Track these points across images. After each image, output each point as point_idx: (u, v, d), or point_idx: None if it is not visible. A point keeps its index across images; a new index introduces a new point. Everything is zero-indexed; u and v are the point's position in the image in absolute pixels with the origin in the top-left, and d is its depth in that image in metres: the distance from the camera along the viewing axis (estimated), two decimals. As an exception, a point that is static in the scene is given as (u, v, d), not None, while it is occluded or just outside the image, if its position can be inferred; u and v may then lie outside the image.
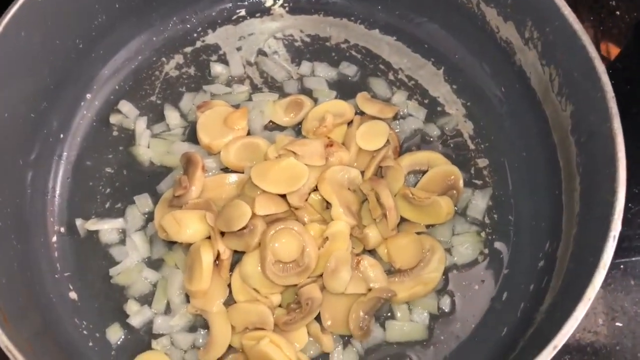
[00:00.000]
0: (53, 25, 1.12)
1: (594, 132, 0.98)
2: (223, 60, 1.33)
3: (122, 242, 1.15)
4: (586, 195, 1.00)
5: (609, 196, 0.89)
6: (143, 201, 1.17)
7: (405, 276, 1.08)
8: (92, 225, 1.15)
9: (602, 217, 0.89)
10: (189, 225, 1.07)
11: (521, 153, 1.20)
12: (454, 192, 1.15)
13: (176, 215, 1.08)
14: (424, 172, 1.19)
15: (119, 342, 1.07)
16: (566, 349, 1.12)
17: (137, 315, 1.08)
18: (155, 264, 1.13)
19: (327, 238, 1.07)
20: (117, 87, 1.30)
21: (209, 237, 1.08)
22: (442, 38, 1.31)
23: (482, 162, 1.22)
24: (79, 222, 1.16)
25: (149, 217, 1.17)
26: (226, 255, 1.07)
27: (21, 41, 1.06)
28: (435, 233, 1.14)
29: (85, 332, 1.07)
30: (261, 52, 1.34)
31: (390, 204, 1.07)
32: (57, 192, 1.20)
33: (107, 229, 1.15)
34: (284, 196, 1.10)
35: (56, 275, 1.12)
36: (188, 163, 1.15)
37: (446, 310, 1.09)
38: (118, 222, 1.16)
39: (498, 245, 1.14)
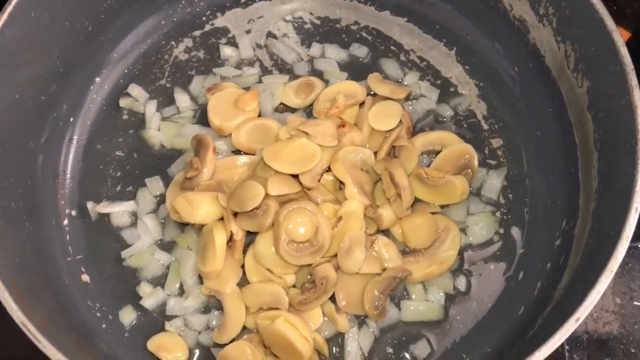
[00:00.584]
0: (62, 7, 1.11)
1: (613, 106, 0.96)
2: (232, 43, 1.32)
3: (134, 224, 1.14)
4: (605, 170, 0.98)
5: (630, 169, 0.88)
6: (154, 184, 1.16)
7: (420, 256, 1.07)
8: (104, 208, 1.14)
9: (623, 191, 0.88)
10: (201, 207, 1.06)
11: (535, 132, 1.19)
12: (469, 171, 1.14)
13: (188, 197, 1.07)
14: (437, 153, 1.17)
15: (132, 324, 1.07)
16: (584, 328, 1.10)
17: (150, 297, 1.07)
18: (167, 246, 1.13)
19: (341, 217, 1.05)
20: (126, 71, 1.29)
21: (221, 219, 1.07)
22: (454, 18, 1.30)
23: (496, 142, 1.20)
24: (90, 205, 1.15)
25: (160, 200, 1.16)
26: (239, 235, 1.06)
27: (31, 22, 1.06)
28: (450, 213, 1.13)
29: (98, 314, 1.07)
30: (271, 35, 1.33)
31: (404, 183, 1.06)
32: (68, 175, 1.19)
33: (118, 211, 1.14)
34: (296, 177, 1.09)
35: (68, 258, 1.11)
36: (199, 145, 1.14)
37: (462, 290, 1.08)
38: (129, 205, 1.15)
39: (513, 225, 1.13)
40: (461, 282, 1.08)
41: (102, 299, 1.08)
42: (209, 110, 1.19)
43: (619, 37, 0.95)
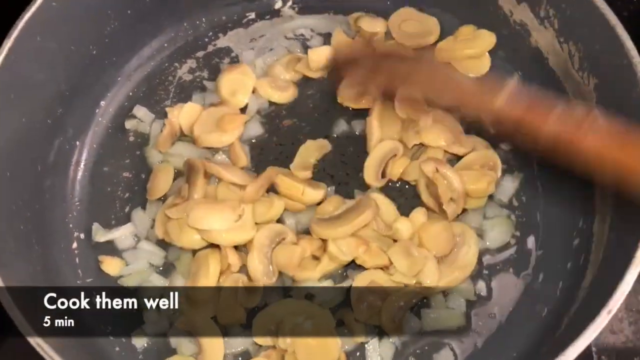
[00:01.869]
0: (67, 31, 1.12)
1: (622, 100, 0.96)
2: (236, 62, 1.32)
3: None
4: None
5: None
6: (153, 207, 1.14)
7: (440, 264, 1.04)
8: (103, 237, 1.11)
9: (641, 181, 0.87)
10: (192, 232, 1.04)
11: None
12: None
13: (180, 222, 1.05)
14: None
15: (145, 347, 1.04)
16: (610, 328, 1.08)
17: (150, 324, 1.04)
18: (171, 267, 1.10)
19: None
20: (130, 93, 1.29)
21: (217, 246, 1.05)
22: (454, 27, 1.30)
23: (505, 146, 1.20)
24: (94, 228, 1.13)
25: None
26: (236, 268, 1.04)
27: (37, 45, 1.06)
28: (466, 219, 1.11)
29: (111, 337, 1.04)
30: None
31: (462, 189, 1.05)
32: (76, 198, 1.18)
33: (118, 237, 1.12)
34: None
35: (78, 282, 1.09)
36: (190, 170, 1.11)
37: (483, 295, 1.05)
38: (127, 228, 1.12)
39: (528, 227, 1.11)
40: (481, 287, 1.06)
41: (115, 321, 1.05)
42: (196, 121, 1.18)
43: (623, 31, 0.96)
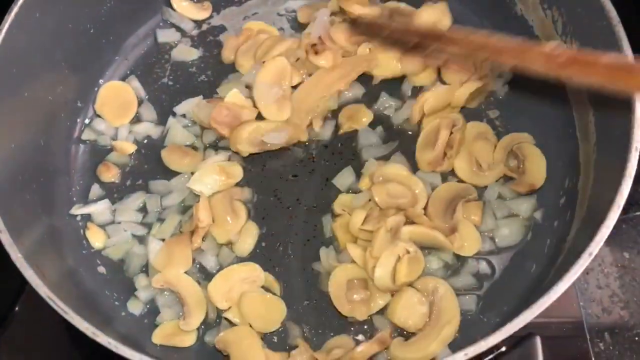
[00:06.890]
0: (65, 9, 1.15)
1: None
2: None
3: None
4: (601, 122, 1.02)
5: (625, 113, 0.91)
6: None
7: (425, 329, 1.00)
8: (78, 210, 1.15)
9: (622, 135, 0.91)
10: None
11: (530, 99, 1.22)
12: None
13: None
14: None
15: (147, 309, 1.08)
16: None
17: (143, 289, 1.08)
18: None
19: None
20: (128, 72, 1.32)
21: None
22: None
23: (493, 114, 1.23)
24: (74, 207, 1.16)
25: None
26: (203, 224, 1.06)
27: (36, 23, 1.09)
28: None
29: (117, 302, 1.08)
30: (267, 29, 1.37)
31: None
32: (78, 173, 1.21)
33: (95, 211, 1.15)
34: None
35: (84, 252, 1.13)
36: None
37: (487, 274, 1.08)
38: (104, 204, 1.16)
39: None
40: (484, 268, 1.08)
41: (118, 288, 1.09)
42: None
43: (603, -8, 0.99)
